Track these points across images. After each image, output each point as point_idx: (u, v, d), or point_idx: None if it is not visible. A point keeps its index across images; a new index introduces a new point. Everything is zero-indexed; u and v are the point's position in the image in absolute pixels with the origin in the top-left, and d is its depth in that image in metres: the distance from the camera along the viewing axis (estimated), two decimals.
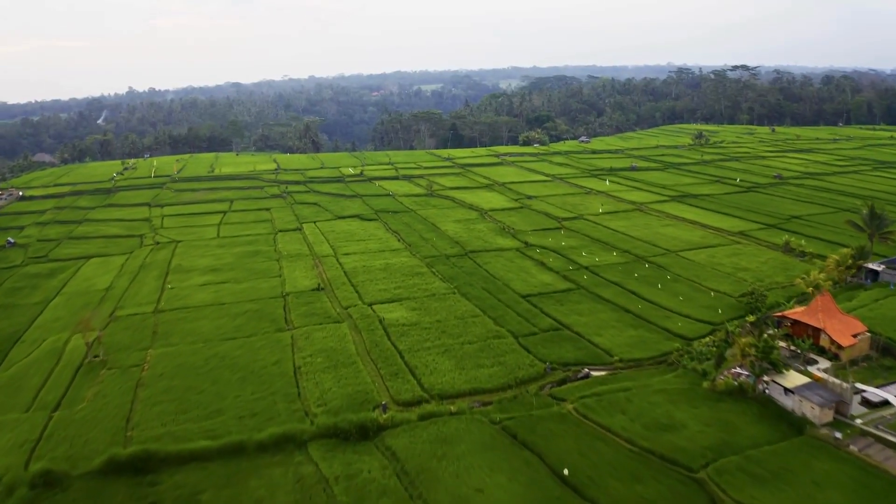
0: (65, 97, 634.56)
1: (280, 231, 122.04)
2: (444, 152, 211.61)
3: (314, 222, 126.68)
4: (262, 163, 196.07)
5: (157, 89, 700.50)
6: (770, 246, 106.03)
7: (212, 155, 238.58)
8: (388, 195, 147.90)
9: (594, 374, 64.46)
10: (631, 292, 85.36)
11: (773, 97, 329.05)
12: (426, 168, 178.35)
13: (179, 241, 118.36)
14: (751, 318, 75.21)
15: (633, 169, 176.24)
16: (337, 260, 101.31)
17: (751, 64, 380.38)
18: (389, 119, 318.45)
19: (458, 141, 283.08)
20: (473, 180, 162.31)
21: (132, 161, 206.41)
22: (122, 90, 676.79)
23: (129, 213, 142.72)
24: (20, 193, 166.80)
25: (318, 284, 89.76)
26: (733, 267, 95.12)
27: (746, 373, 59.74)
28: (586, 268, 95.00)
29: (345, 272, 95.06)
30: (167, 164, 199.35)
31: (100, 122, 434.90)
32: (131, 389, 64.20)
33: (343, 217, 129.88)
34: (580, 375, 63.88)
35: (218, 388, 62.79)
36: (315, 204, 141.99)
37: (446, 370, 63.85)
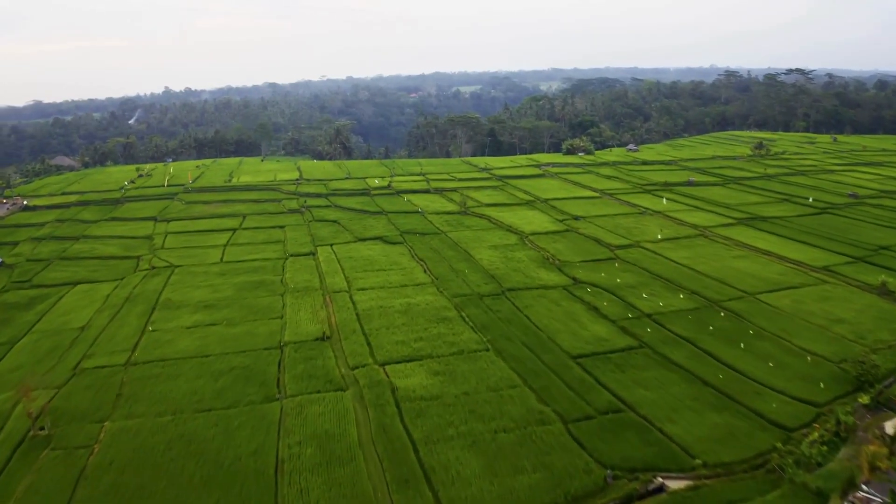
0: (101, 97, 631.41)
1: (291, 255, 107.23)
2: (481, 161, 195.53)
3: (331, 245, 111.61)
4: (284, 171, 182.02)
5: (192, 89, 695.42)
6: (862, 286, 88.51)
7: (236, 160, 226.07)
8: (417, 212, 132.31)
9: (670, 485, 48.08)
10: (707, 353, 68.60)
11: (830, 103, 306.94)
12: (461, 180, 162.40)
13: (178, 266, 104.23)
14: (864, 399, 58.61)
15: (690, 184, 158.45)
16: (350, 297, 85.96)
17: (790, 66, 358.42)
18: (425, 123, 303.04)
19: (497, 147, 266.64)
20: (513, 195, 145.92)
21: (147, 167, 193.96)
22: (159, 90, 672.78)
23: (131, 228, 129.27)
24: (24, 202, 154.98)
25: (324, 332, 74.40)
26: (825, 317, 77.82)
27: (880, 499, 43.28)
28: (649, 316, 78.29)
29: (357, 314, 79.69)
30: (186, 170, 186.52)
31: (131, 122, 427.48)
32: (71, 484, 49.93)
33: (364, 239, 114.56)
34: (652, 488, 47.50)
35: (175, 493, 47.85)
36: (335, 222, 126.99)
37: (473, 476, 47.98)
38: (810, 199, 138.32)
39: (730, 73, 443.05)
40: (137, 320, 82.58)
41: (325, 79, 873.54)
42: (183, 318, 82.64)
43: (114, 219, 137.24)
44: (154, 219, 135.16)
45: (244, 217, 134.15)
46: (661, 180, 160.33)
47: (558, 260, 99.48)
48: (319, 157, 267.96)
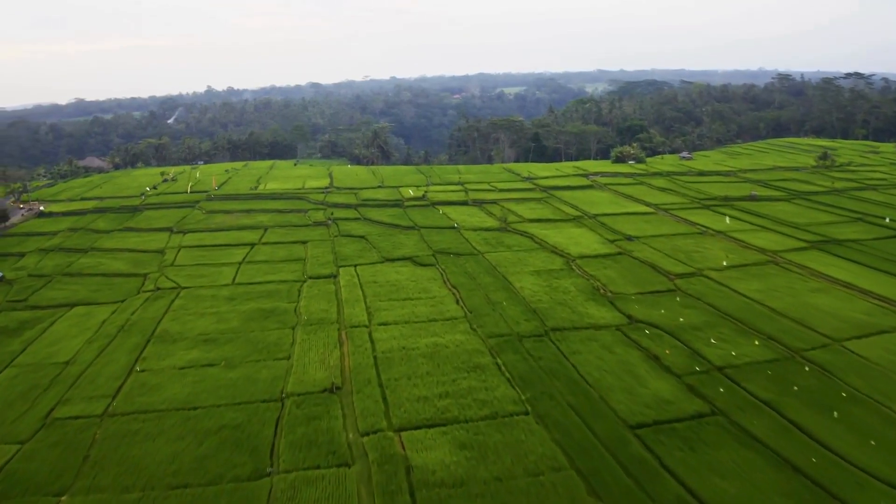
0: (145, 95, 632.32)
1: (310, 278, 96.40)
2: (524, 168, 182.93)
3: (355, 266, 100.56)
4: (314, 177, 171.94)
5: (235, 88, 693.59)
6: None
7: (268, 164, 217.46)
8: (453, 228, 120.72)
9: None
10: (794, 425, 55.64)
11: (890, 109, 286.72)
12: (501, 191, 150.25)
13: (185, 288, 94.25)
14: None
15: (752, 198, 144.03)
16: (369, 334, 74.61)
17: (840, 68, 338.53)
18: (466, 126, 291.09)
19: (541, 152, 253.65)
20: (558, 210, 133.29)
21: (173, 171, 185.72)
22: (202, 89, 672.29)
23: (144, 240, 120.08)
24: (41, 208, 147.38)
25: (333, 383, 63.12)
26: None
27: None
28: (720, 369, 65.46)
29: (375, 358, 68.32)
30: (213, 174, 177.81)
31: (170, 121, 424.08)
32: None
33: (392, 260, 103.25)
34: None
35: None
36: (362, 238, 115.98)
37: None
38: (887, 220, 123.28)
39: (783, 77, 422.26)
40: (127, 356, 72.44)
41: (368, 79, 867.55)
42: (178, 354, 72.24)
43: (128, 229, 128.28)
44: (170, 230, 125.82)
45: (265, 230, 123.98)
46: (720, 194, 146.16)
47: (610, 291, 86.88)
48: (357, 160, 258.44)
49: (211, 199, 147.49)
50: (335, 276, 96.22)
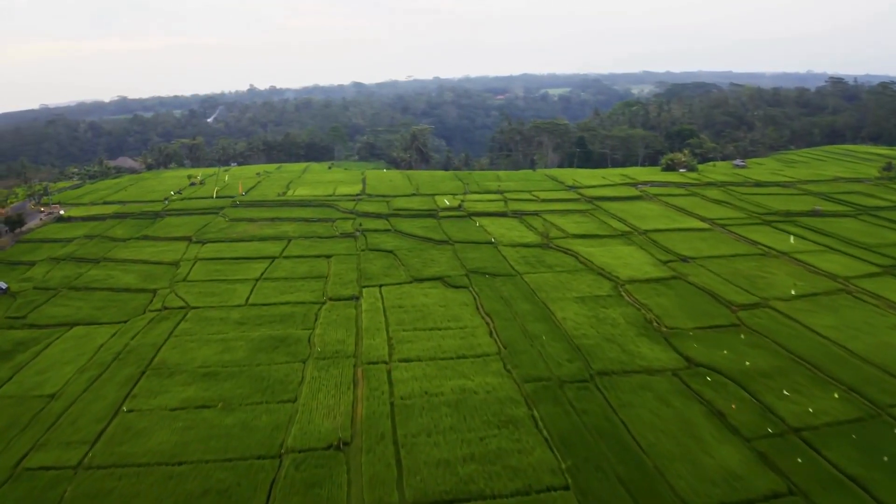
0: (188, 93, 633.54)
1: (330, 299, 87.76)
2: (569, 175, 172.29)
3: (380, 286, 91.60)
4: (347, 182, 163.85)
5: (277, 87, 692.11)
6: None
7: (301, 166, 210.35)
8: (490, 243, 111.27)
9: None
10: None
11: None
12: (544, 201, 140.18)
13: (193, 308, 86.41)
14: None
15: (816, 213, 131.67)
16: (388, 373, 65.50)
17: (879, 72, 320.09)
18: (509, 129, 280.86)
19: (586, 157, 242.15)
20: (605, 223, 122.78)
21: (201, 174, 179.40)
22: (245, 87, 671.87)
23: (160, 250, 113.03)
24: (61, 212, 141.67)
25: (340, 439, 54.05)
26: None
27: None
28: (796, 431, 54.84)
29: (392, 406, 59.09)
30: (243, 178, 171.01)
31: (209, 120, 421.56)
32: None
33: (421, 280, 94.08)
34: None
35: None
36: (391, 253, 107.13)
37: None
38: None
39: (835, 80, 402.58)
40: (117, 392, 64.55)
41: (411, 79, 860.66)
42: (172, 391, 64.05)
43: (146, 237, 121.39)
44: (189, 239, 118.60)
45: (289, 241, 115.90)
46: (780, 208, 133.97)
47: (665, 326, 76.47)
48: (394, 163, 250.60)
49: (236, 205, 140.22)
50: (357, 298, 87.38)
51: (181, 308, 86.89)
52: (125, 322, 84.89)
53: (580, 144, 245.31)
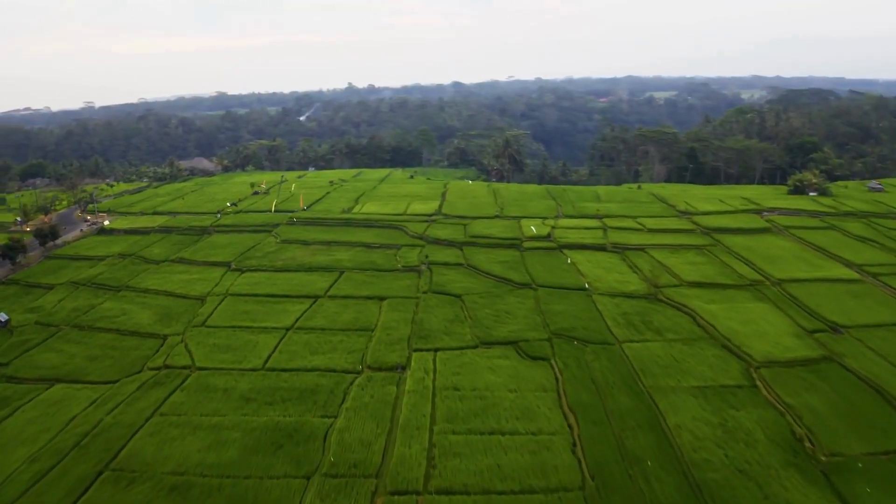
0: (286, 90, 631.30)
1: (370, 368, 67.81)
2: (679, 195, 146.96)
3: (435, 351, 70.88)
4: (423, 197, 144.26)
5: (375, 86, 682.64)
6: None
7: (383, 173, 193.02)
8: (583, 290, 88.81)
9: None
10: None
11: None
12: (651, 231, 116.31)
13: (199, 369, 68.34)
14: None
15: None
16: None
17: None
18: (611, 136, 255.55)
19: (698, 171, 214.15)
20: (727, 267, 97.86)
21: (264, 184, 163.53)
22: (343, 85, 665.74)
23: (191, 278, 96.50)
24: (105, 223, 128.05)
25: None
26: None
27: None
28: None
29: None
30: (315, 186, 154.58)
31: (302, 118, 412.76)
32: None
33: (490, 344, 72.70)
34: None
35: None
36: (458, 299, 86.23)
37: None
38: None
39: None
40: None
41: (511, 79, 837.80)
42: None
43: (181, 260, 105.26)
44: (227, 266, 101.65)
45: (340, 274, 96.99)
46: None
47: (823, 451, 52.34)
48: (485, 171, 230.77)
49: (293, 222, 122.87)
50: (403, 369, 66.99)
51: (184, 368, 68.97)
52: (114, 383, 67.75)
53: (691, 157, 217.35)
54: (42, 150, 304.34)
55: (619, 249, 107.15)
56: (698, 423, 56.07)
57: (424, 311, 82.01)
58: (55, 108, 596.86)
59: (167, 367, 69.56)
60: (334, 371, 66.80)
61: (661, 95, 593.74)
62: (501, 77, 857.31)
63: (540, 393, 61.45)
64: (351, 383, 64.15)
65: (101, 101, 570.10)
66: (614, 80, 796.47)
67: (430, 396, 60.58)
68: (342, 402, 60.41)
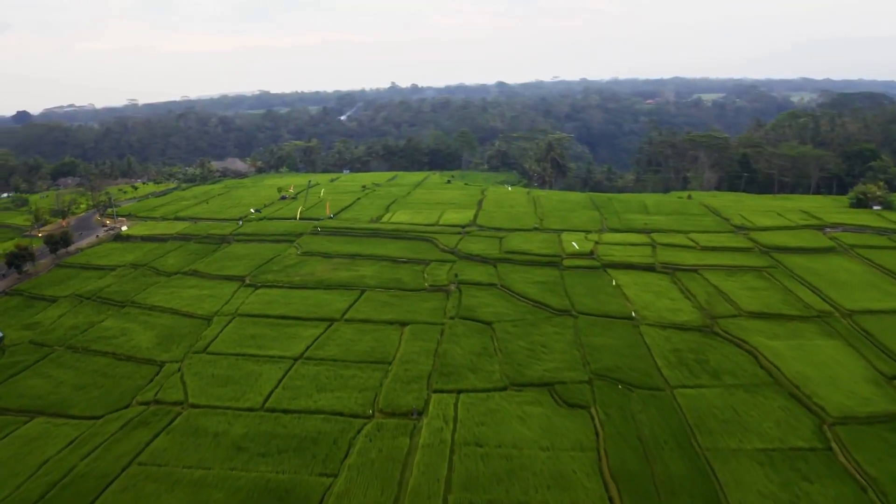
0: (329, 89, 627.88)
1: (381, 412, 59.44)
2: (733, 206, 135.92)
3: (458, 393, 62.12)
4: (459, 205, 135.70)
5: (419, 86, 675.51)
6: None
7: (419, 177, 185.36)
8: (629, 318, 79.25)
9: None
10: None
11: None
12: (704, 248, 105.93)
13: (192, 407, 60.84)
14: None
15: None
16: None
17: None
18: (659, 140, 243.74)
19: (750, 179, 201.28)
20: (790, 294, 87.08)
21: (292, 188, 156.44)
22: (386, 85, 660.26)
23: (201, 294, 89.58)
24: (123, 228, 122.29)
25: None
26: None
27: None
28: None
29: None
30: (346, 190, 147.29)
31: (342, 118, 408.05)
32: None
33: (521, 386, 63.64)
34: None
35: None
36: (488, 326, 77.41)
37: None
38: None
39: None
40: None
41: (556, 80, 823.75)
42: None
43: (194, 273, 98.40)
44: (241, 280, 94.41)
45: (362, 293, 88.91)
46: None
47: None
48: (526, 175, 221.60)
49: (317, 232, 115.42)
50: (419, 415, 58.43)
51: (176, 403, 61.54)
52: (98, 419, 60.58)
53: (743, 164, 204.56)
54: (80, 147, 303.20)
55: (670, 270, 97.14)
56: (766, 501, 46.45)
57: (450, 340, 73.35)
58: (99, 105, 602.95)
59: (157, 402, 62.21)
60: (341, 415, 58.55)
61: (708, 97, 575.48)
62: (546, 77, 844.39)
63: (577, 453, 52.31)
64: (358, 431, 55.79)
65: (145, 98, 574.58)
66: (661, 82, 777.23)
67: (448, 454, 51.82)
68: (345, 457, 52.09)
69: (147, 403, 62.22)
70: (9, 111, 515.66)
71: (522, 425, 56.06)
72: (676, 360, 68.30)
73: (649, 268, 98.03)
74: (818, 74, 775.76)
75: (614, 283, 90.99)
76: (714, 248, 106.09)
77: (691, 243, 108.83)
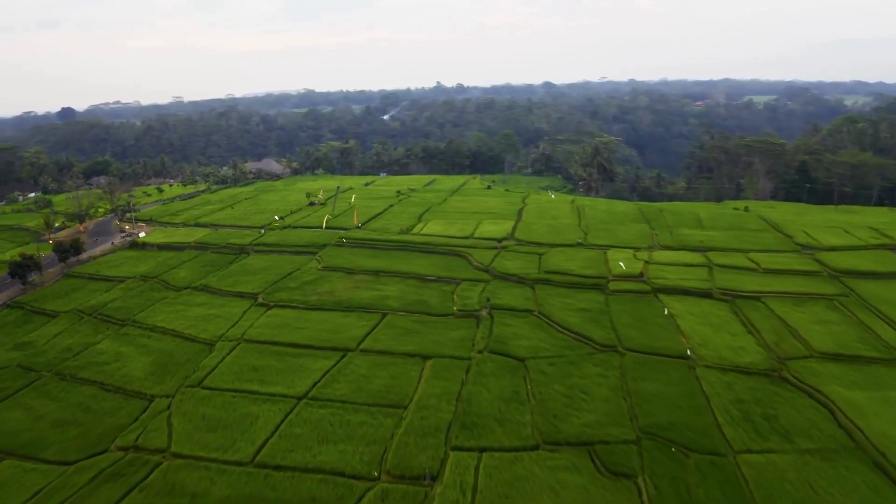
0: (374, 88, 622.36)
1: (388, 474, 50.66)
2: (795, 220, 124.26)
3: (480, 452, 52.87)
4: (497, 215, 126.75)
5: (464, 85, 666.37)
6: None
7: (458, 181, 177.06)
8: (683, 357, 69.21)
9: None
10: None
11: None
12: (767, 271, 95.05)
13: (175, 457, 52.96)
14: None
15: None
16: None
17: None
18: (711, 145, 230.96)
19: (810, 188, 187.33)
20: (868, 330, 75.76)
21: (321, 193, 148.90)
22: (431, 84, 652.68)
23: (208, 314, 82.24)
24: (140, 234, 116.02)
25: None
26: None
27: None
28: None
29: None
30: (380, 196, 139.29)
31: (385, 118, 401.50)
32: None
33: (556, 444, 54.12)
34: None
35: None
36: (521, 364, 68.11)
37: None
38: None
39: None
40: None
41: (604, 80, 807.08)
42: None
43: (204, 288, 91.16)
44: (254, 298, 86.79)
45: (383, 317, 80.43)
46: None
47: None
48: (571, 181, 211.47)
49: (342, 243, 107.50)
50: (432, 481, 49.49)
51: (157, 451, 53.76)
52: (70, 465, 53.07)
53: (802, 172, 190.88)
54: (120, 145, 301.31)
55: (729, 297, 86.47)
56: None
57: (476, 381, 64.24)
58: (145, 102, 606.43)
59: (137, 447, 54.55)
60: (342, 475, 49.94)
61: (760, 100, 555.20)
62: (593, 78, 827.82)
63: None
64: (359, 499, 47.13)
65: (191, 96, 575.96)
66: (710, 83, 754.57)
67: None
68: None
69: (126, 449, 54.62)
70: (55, 108, 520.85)
71: (555, 499, 46.76)
72: (741, 414, 58.09)
73: (706, 294, 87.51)
74: (870, 76, 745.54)
75: (666, 312, 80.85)
76: (778, 272, 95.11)
77: (752, 265, 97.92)
